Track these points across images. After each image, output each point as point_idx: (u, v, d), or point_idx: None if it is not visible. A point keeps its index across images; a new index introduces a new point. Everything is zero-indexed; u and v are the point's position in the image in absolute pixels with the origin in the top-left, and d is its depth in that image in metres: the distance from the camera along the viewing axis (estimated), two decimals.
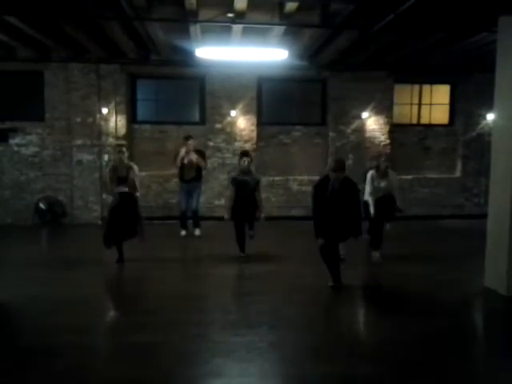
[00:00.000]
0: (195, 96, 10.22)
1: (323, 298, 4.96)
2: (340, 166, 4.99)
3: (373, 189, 6.52)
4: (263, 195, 9.78)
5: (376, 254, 6.46)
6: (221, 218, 8.87)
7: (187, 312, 4.45)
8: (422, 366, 3.39)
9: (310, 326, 4.19)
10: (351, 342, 3.88)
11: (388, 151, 10.15)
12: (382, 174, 6.54)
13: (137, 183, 6.29)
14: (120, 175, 6.17)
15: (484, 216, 5.59)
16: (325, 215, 5.02)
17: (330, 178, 5.04)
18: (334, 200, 5.01)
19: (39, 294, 4.96)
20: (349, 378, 3.22)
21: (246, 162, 6.48)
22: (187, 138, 8.06)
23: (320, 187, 5.13)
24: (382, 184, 6.52)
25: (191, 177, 8.11)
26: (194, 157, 7.95)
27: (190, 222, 8.40)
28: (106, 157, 9.66)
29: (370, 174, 6.60)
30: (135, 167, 6.35)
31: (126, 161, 6.28)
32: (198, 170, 8.20)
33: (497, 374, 3.36)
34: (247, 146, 10.02)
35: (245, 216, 6.48)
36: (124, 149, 6.33)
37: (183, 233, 8.30)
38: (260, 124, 10.18)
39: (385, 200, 6.48)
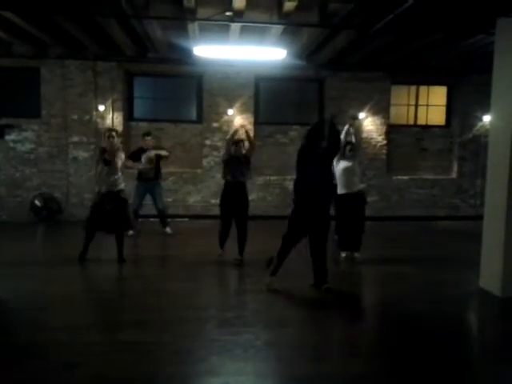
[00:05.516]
0: (192, 94, 10.21)
1: (320, 296, 4.95)
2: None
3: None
4: (260, 194, 9.94)
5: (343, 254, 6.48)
6: (217, 217, 8.90)
7: (182, 310, 4.44)
8: (418, 365, 3.40)
9: (307, 324, 4.19)
10: (348, 342, 3.89)
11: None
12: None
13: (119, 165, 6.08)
14: (108, 158, 5.95)
15: (479, 217, 5.62)
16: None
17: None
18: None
19: (35, 291, 4.93)
20: (346, 376, 3.22)
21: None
22: (147, 134, 8.00)
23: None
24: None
25: (149, 176, 7.89)
26: (151, 154, 7.76)
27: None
28: None
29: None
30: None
31: (116, 146, 6.04)
32: (157, 169, 8.00)
33: (492, 374, 3.38)
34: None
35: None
36: (114, 133, 6.05)
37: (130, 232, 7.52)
38: (257, 123, 10.18)
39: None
